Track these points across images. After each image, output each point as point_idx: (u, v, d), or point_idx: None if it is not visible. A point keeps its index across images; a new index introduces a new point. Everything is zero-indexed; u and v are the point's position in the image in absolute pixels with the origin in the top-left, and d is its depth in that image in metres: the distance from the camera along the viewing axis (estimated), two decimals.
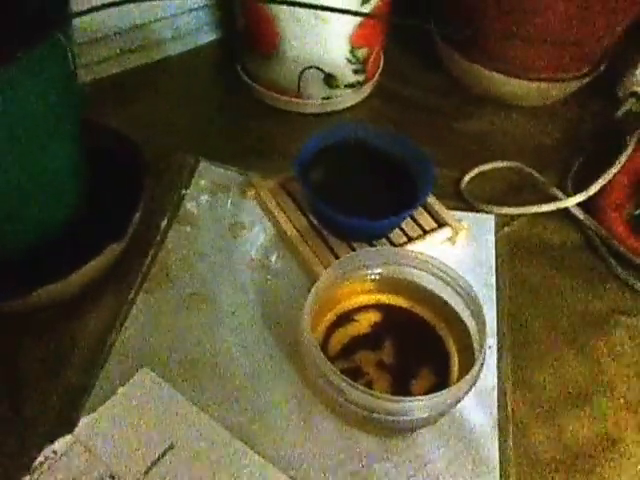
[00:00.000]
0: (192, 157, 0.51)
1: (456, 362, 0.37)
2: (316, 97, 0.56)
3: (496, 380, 0.39)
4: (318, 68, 0.53)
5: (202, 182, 0.49)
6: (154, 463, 0.34)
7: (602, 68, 0.57)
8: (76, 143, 0.38)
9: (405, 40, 0.64)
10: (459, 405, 0.34)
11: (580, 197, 0.48)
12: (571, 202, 0.48)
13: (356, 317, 0.39)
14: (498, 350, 0.40)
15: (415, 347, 0.38)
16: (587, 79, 0.56)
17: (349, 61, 0.54)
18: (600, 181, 0.48)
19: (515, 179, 0.52)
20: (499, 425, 0.37)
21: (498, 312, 0.42)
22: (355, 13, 0.49)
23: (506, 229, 0.48)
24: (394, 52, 0.62)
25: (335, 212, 0.41)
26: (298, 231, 0.44)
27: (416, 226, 0.46)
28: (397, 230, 0.45)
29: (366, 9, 0.50)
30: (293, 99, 0.56)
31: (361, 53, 0.54)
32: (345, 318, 0.39)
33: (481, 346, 0.34)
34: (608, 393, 0.39)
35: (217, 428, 0.36)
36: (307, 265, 0.43)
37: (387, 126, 0.49)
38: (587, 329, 0.43)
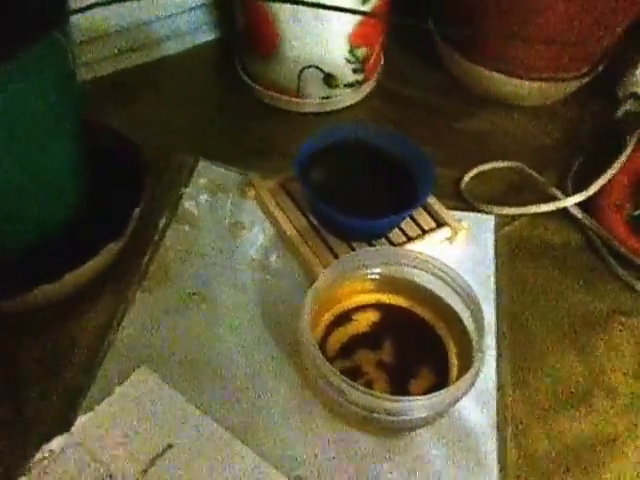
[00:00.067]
0: (191, 157, 0.51)
1: (455, 362, 0.37)
2: (315, 97, 0.56)
3: (495, 380, 0.39)
4: (317, 68, 0.53)
5: (201, 182, 0.49)
6: (152, 463, 0.34)
7: (602, 68, 0.56)
8: (76, 143, 0.38)
9: (405, 40, 0.64)
10: (458, 405, 0.34)
11: (580, 197, 0.48)
12: (571, 202, 0.48)
13: (355, 317, 0.39)
14: (497, 350, 0.40)
15: (414, 347, 0.38)
16: (587, 79, 0.56)
17: (348, 61, 0.54)
18: (600, 181, 0.48)
19: (515, 179, 0.52)
20: (498, 425, 0.37)
21: (497, 312, 0.42)
22: (355, 12, 0.49)
23: (506, 229, 0.48)
24: (394, 52, 0.62)
25: (335, 212, 0.41)
26: (298, 231, 0.44)
27: (415, 226, 0.46)
28: (396, 230, 0.45)
29: (366, 8, 0.50)
30: (292, 99, 0.56)
31: (360, 53, 0.54)
32: (344, 318, 0.39)
33: (480, 346, 0.34)
34: (608, 393, 0.39)
35: (216, 428, 0.35)
36: (307, 265, 0.43)
37: (387, 126, 0.49)
38: (587, 329, 0.43)
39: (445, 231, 0.45)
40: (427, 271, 0.39)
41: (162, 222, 0.46)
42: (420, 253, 0.39)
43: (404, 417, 0.33)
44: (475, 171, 0.52)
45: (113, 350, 0.39)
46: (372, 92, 0.59)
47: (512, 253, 0.46)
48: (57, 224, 0.40)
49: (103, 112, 0.47)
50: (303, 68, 0.53)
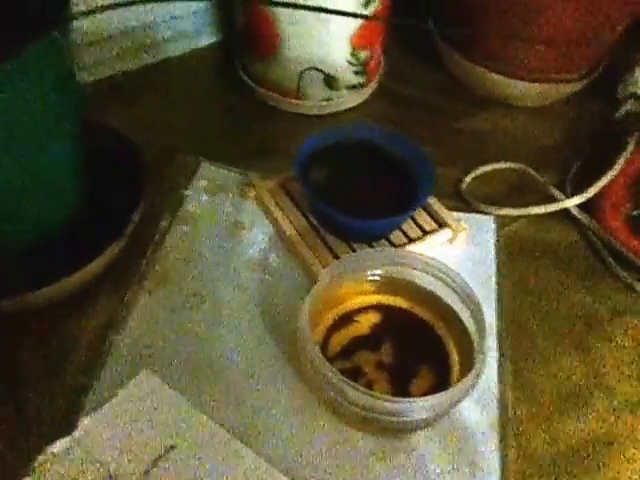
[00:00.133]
0: (192, 157, 0.51)
1: (456, 362, 0.37)
2: (316, 98, 0.55)
3: (496, 380, 0.39)
4: (318, 69, 0.53)
5: (202, 182, 0.49)
6: (154, 464, 0.34)
7: (602, 68, 0.56)
8: (76, 143, 0.38)
9: (406, 40, 0.64)
10: (459, 406, 0.34)
11: (580, 198, 0.48)
12: (571, 203, 0.48)
13: (356, 318, 0.39)
14: (498, 351, 0.40)
15: (415, 348, 0.38)
16: (587, 79, 0.56)
17: (350, 63, 0.54)
18: (600, 182, 0.48)
19: (515, 180, 0.52)
20: (498, 425, 0.37)
21: (498, 313, 0.42)
22: (357, 15, 0.49)
23: (506, 230, 0.48)
24: (395, 52, 0.62)
25: (335, 212, 0.41)
26: (298, 231, 0.44)
27: (416, 227, 0.46)
28: (397, 231, 0.45)
29: (367, 11, 0.50)
30: (293, 100, 0.56)
31: (362, 55, 0.54)
32: (345, 319, 0.39)
33: (481, 347, 0.34)
34: (608, 393, 0.39)
35: (217, 429, 0.35)
36: (306, 265, 0.43)
37: (387, 126, 0.49)
38: (587, 330, 0.43)
39: (446, 232, 0.45)
40: (427, 272, 0.39)
41: (163, 223, 0.46)
42: (420, 254, 0.39)
43: (404, 418, 0.32)
44: (475, 172, 0.52)
45: (114, 351, 0.39)
46: (373, 93, 0.59)
47: (513, 254, 0.46)
48: (57, 224, 0.40)
49: (105, 113, 0.47)
50: (304, 69, 0.53)
